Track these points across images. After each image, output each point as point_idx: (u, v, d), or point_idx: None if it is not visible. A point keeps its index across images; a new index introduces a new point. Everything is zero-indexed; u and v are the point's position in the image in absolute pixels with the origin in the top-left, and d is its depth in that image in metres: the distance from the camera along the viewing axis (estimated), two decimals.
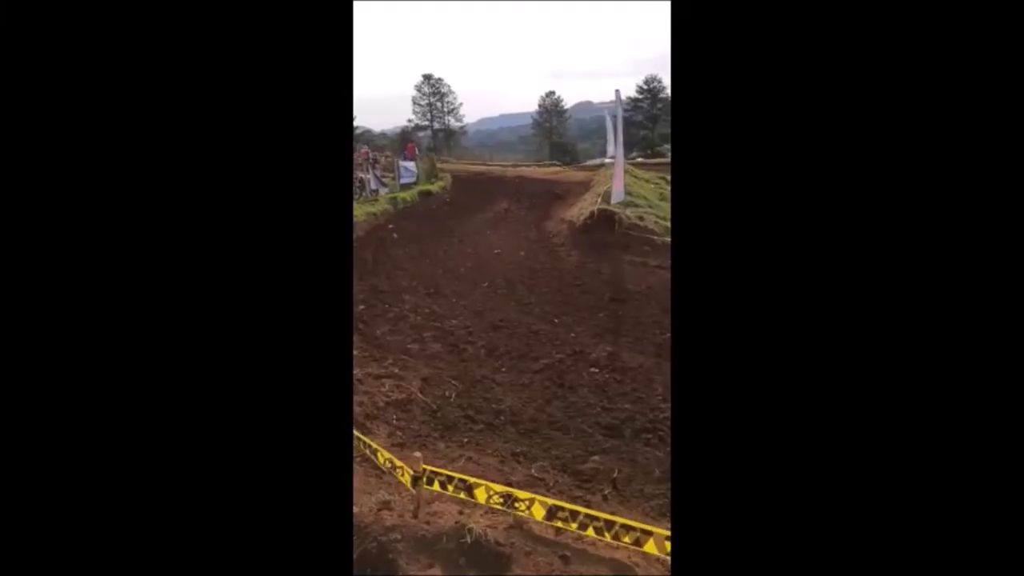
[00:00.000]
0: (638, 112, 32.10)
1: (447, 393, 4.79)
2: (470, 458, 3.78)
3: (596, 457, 3.91)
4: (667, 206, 11.67)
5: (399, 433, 4.14)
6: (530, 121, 36.63)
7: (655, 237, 9.10)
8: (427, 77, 35.47)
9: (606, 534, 1.96)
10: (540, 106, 35.15)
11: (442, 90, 35.40)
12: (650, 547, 1.90)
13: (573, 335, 6.14)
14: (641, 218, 9.77)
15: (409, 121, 35.23)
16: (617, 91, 11.21)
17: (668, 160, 20.65)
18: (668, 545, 1.94)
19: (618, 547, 2.05)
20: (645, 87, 32.52)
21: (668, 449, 4.03)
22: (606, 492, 3.50)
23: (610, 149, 10.81)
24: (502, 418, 4.44)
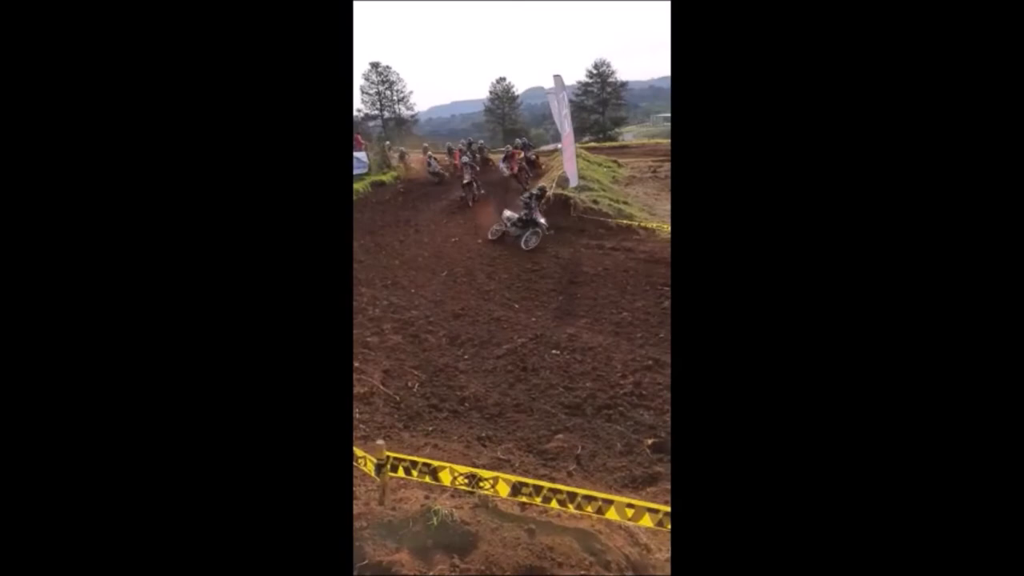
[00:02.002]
0: (588, 96, 32.31)
1: (409, 384, 4.76)
2: (435, 445, 3.80)
3: (560, 436, 4.00)
4: (619, 189, 11.86)
5: (363, 426, 4.10)
6: (482, 108, 36.35)
7: (609, 220, 9.25)
8: (374, 65, 34.57)
9: (569, 505, 2.02)
10: (491, 93, 34.89)
11: (391, 78, 34.60)
12: (611, 514, 1.97)
13: (534, 319, 6.22)
14: (596, 202, 9.90)
15: (359, 111, 34.30)
16: (557, 76, 11.13)
17: (619, 143, 20.91)
18: (629, 512, 2.01)
19: (582, 517, 2.12)
20: (595, 71, 32.73)
21: (628, 423, 4.16)
22: (571, 469, 3.59)
23: (561, 135, 10.80)
24: (466, 404, 4.47)
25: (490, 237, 8.92)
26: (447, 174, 13.32)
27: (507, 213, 8.85)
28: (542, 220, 8.52)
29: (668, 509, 1.91)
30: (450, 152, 14.98)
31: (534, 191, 9.08)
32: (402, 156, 15.64)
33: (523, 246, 8.37)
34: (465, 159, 12.21)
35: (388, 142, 18.04)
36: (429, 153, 14.71)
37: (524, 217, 8.56)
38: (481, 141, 17.33)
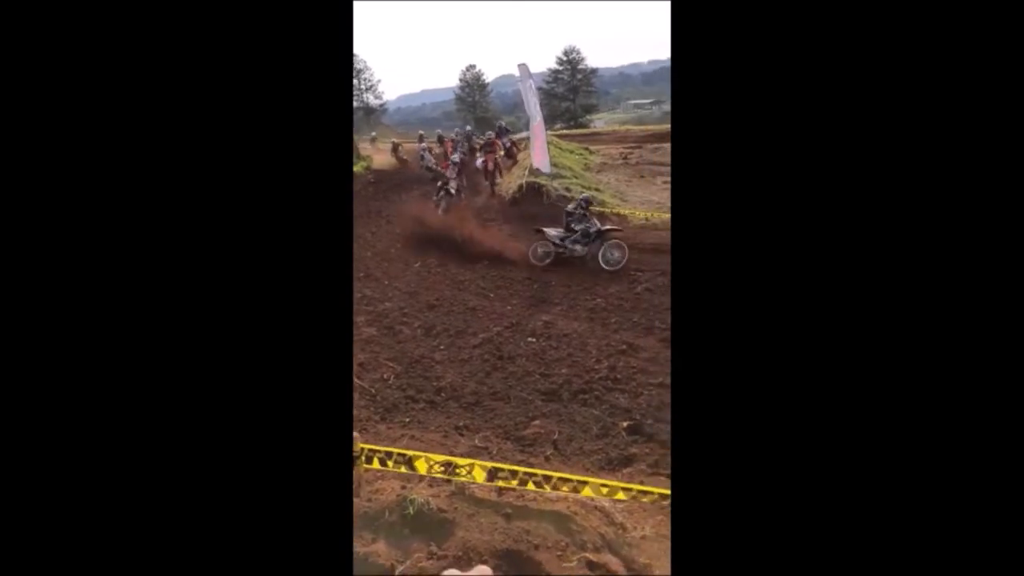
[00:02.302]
0: (559, 84, 32.26)
1: (385, 376, 4.73)
2: (413, 436, 3.79)
3: (537, 422, 4.03)
4: (591, 176, 11.92)
5: None
6: (452, 96, 35.98)
7: None
8: None
9: (546, 487, 2.04)
10: (461, 80, 34.55)
11: (358, 66, 33.90)
12: (587, 492, 2.00)
13: (509, 308, 6.24)
14: (568, 189, 9.94)
15: None
16: (523, 65, 10.95)
17: (590, 131, 20.97)
18: (604, 490, 2.05)
19: (557, 499, 2.14)
20: (564, 58, 32.66)
21: (604, 407, 4.22)
22: (548, 454, 3.63)
23: (531, 123, 10.71)
24: (443, 395, 4.46)
25: (536, 262, 7.29)
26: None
27: (551, 233, 7.41)
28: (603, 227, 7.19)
29: (641, 488, 1.95)
30: (441, 141, 14.03)
31: (579, 200, 7.74)
32: (395, 148, 14.05)
33: (604, 265, 6.97)
34: (456, 158, 10.55)
35: (374, 133, 17.30)
36: (424, 144, 13.24)
37: (588, 229, 7.20)
38: (468, 128, 15.53)
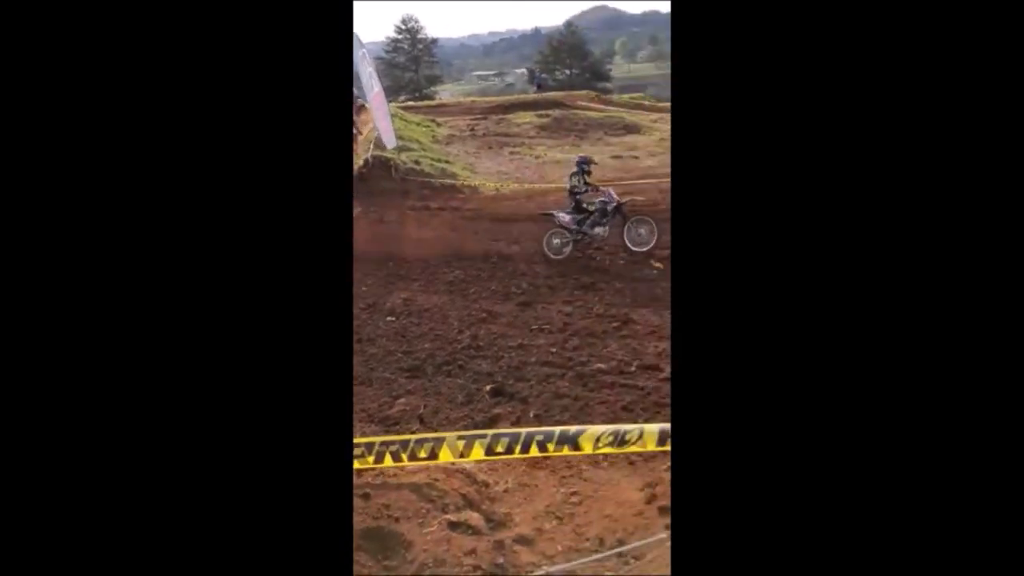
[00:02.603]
0: (399, 53, 31.11)
1: None
2: None
3: (402, 400, 4.00)
4: (440, 148, 11.80)
5: None
6: None
7: (432, 180, 9.20)
8: None
9: (403, 456, 2.04)
10: None
11: None
12: (445, 455, 2.03)
13: (364, 288, 6.01)
14: (417, 162, 9.73)
15: None
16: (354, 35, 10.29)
17: (436, 102, 20.65)
18: (461, 445, 2.09)
19: (417, 471, 2.15)
20: (403, 27, 31.47)
21: (468, 375, 4.31)
22: (414, 429, 3.64)
23: (368, 95, 10.14)
24: None
25: (552, 255, 6.15)
26: None
27: (563, 217, 6.19)
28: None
29: (492, 432, 2.02)
30: None
31: (578, 164, 6.32)
32: None
33: (631, 246, 5.84)
34: None
35: None
36: None
37: (605, 205, 5.98)
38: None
